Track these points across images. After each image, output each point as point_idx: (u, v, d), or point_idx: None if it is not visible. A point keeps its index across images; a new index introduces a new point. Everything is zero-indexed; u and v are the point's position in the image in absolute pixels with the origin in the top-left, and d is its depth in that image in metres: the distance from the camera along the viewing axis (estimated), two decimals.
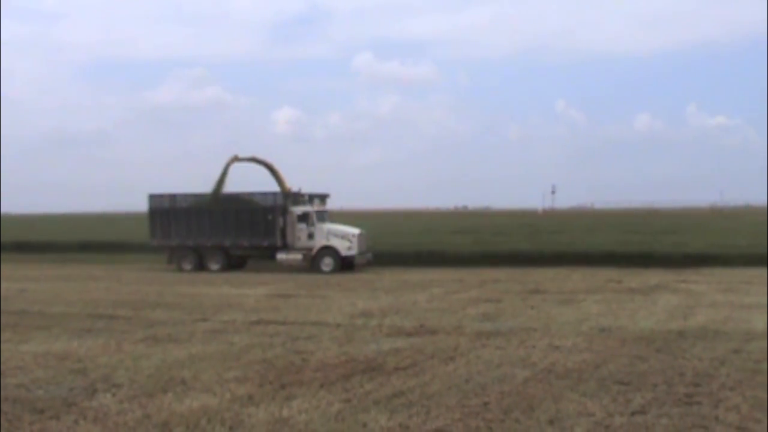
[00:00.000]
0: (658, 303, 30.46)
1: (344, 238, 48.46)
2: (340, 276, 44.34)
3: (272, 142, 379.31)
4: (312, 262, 48.10)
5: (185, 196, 51.49)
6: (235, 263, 50.44)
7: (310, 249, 48.45)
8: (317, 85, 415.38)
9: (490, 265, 48.95)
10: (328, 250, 48.19)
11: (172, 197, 51.35)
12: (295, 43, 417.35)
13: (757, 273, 42.05)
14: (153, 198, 51.74)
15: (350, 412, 14.36)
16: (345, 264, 47.93)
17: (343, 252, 48.03)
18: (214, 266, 49.64)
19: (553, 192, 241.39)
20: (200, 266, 49.79)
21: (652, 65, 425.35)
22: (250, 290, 36.35)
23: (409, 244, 55.77)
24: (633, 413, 14.27)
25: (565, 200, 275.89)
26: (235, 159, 51.13)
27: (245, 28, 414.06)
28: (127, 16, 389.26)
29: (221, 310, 28.93)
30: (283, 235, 49.00)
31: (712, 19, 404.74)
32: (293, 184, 50.91)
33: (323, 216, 50.29)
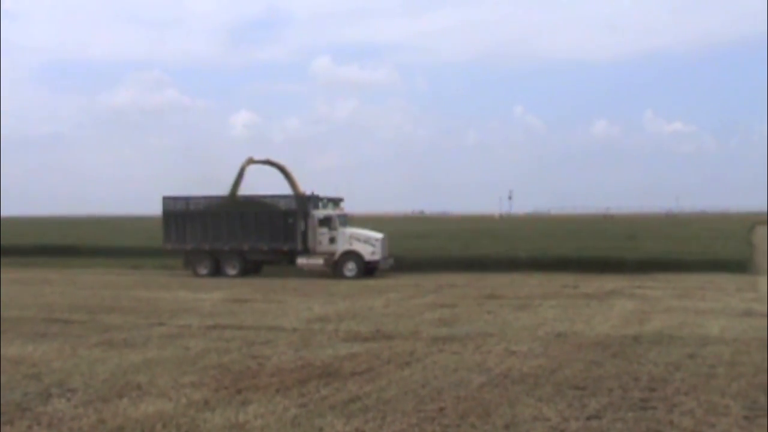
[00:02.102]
0: (613, 308, 30.61)
1: (367, 242, 47.55)
2: (296, 280, 44.17)
3: (230, 145, 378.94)
4: (334, 267, 47.18)
5: (199, 198, 50.16)
6: (250, 268, 49.25)
7: (332, 254, 47.47)
8: (275, 89, 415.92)
9: (446, 270, 48.94)
10: (352, 255, 47.21)
11: (187, 200, 50.09)
12: (254, 46, 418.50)
13: (711, 279, 42.49)
14: (167, 200, 50.34)
15: (306, 417, 14.35)
16: (367, 269, 47.19)
17: (367, 257, 47.10)
18: (232, 271, 48.31)
19: (510, 197, 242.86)
20: (216, 271, 48.46)
21: (610, 72, 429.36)
22: (207, 295, 36.18)
23: None
24: (588, 418, 14.35)
25: (522, 206, 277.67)
26: (251, 161, 50.36)
27: (203, 30, 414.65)
28: (82, 17, 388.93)
29: (177, 315, 28.83)
30: (304, 240, 47.98)
31: (669, 27, 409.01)
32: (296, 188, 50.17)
33: (345, 220, 49.48)
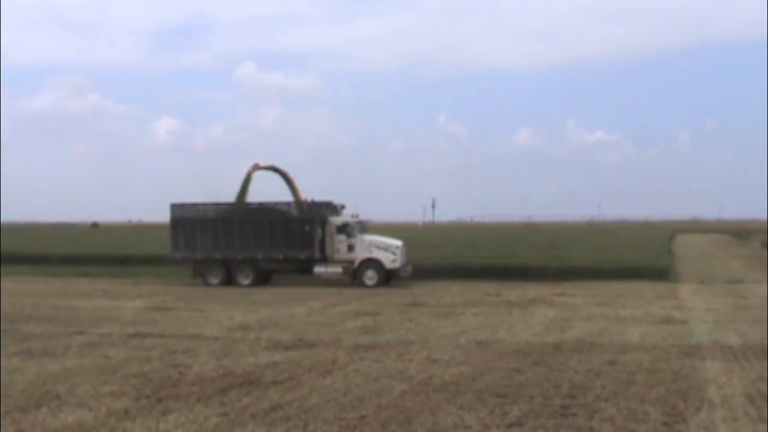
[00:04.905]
0: (535, 316, 30.82)
1: (387, 250, 46.35)
2: (219, 289, 43.89)
3: (153, 151, 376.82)
4: (354, 276, 45.97)
5: (208, 205, 48.68)
6: (262, 277, 47.65)
7: (350, 262, 46.19)
8: (199, 96, 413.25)
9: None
10: (372, 263, 45.92)
11: (196, 207, 48.48)
12: (177, 52, 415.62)
13: (632, 286, 42.96)
14: (175, 208, 48.65)
15: (227, 426, 14.29)
16: (387, 277, 46.05)
17: (388, 265, 45.77)
18: (245, 280, 46.59)
19: (433, 206, 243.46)
20: (228, 280, 46.78)
21: (533, 81, 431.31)
22: (128, 302, 35.86)
23: None
24: (510, 425, 14.43)
25: (445, 214, 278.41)
26: (257, 167, 49.46)
27: (126, 35, 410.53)
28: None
29: (98, 323, 28.55)
30: (322, 247, 46.48)
31: (592, 37, 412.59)
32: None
33: (362, 227, 48.14)
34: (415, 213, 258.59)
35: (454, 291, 41.44)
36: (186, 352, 22.32)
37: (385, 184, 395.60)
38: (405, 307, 33.97)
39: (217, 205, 48.87)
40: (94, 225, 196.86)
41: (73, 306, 34.44)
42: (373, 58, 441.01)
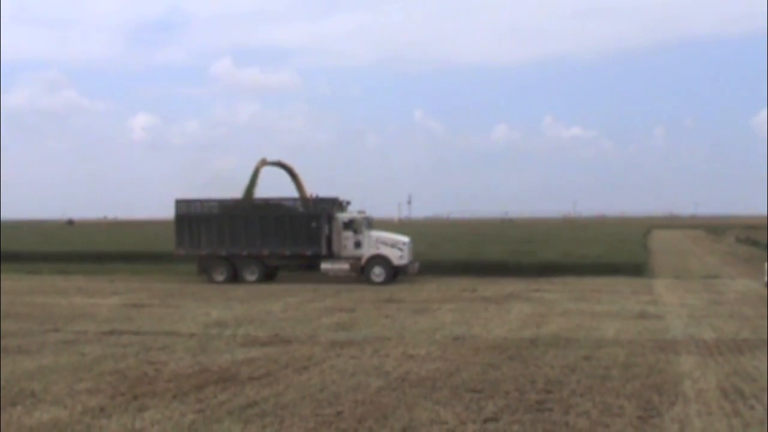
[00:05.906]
0: (511, 312, 30.85)
1: (395, 246, 45.95)
2: (194, 285, 43.73)
3: (129, 148, 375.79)
4: (361, 272, 45.53)
5: (213, 201, 48.06)
6: (268, 274, 47.15)
7: (357, 258, 45.72)
8: (175, 92, 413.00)
9: None
10: (379, 259, 45.53)
11: (201, 203, 47.84)
12: (153, 47, 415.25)
13: (608, 282, 43.03)
14: (180, 203, 47.81)
15: (204, 422, 14.28)
16: (394, 274, 45.58)
17: (395, 261, 45.41)
18: (251, 277, 46.17)
19: (409, 202, 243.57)
20: (234, 277, 46.26)
21: (510, 77, 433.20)
22: (103, 300, 35.71)
23: None
24: (485, 420, 14.47)
25: (422, 210, 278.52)
26: (264, 162, 49.01)
27: (102, 30, 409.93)
28: None
29: (73, 320, 28.44)
30: (329, 244, 46.03)
31: (569, 33, 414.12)
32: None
33: (369, 223, 47.55)
34: (391, 209, 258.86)
35: (430, 287, 41.43)
36: (162, 348, 22.28)
37: (361, 180, 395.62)
38: (381, 303, 33.96)
39: (222, 200, 48.26)
40: (70, 222, 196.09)
41: (48, 303, 34.27)
42: (350, 54, 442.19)
